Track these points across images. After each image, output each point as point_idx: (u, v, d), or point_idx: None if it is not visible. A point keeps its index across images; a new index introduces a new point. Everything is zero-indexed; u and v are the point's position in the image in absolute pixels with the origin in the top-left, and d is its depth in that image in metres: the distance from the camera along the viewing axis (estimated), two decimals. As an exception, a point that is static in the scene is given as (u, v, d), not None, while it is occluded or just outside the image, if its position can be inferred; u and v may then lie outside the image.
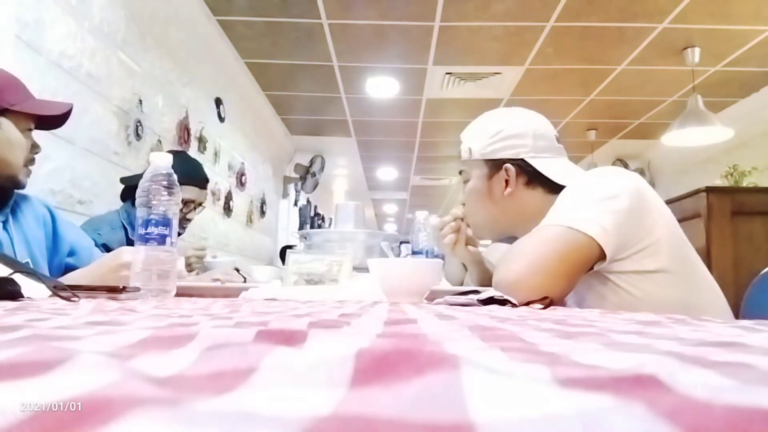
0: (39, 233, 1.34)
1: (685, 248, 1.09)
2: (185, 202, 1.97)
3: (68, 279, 1.16)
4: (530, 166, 1.15)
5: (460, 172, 1.26)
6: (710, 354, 0.25)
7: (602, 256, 1.00)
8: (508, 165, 1.16)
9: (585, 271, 1.03)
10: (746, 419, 0.12)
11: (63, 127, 1.39)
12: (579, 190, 1.07)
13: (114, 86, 2.41)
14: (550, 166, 1.16)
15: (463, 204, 1.29)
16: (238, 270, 2.02)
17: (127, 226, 1.88)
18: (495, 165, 1.17)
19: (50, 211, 1.40)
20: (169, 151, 2.18)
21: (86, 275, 1.19)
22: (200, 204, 2.11)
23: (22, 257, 1.24)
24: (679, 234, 1.08)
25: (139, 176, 1.89)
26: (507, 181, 1.17)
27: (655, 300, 1.00)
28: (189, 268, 1.94)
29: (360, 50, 3.70)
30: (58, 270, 1.36)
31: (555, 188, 1.14)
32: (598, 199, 1.02)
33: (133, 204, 1.77)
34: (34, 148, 1.28)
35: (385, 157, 6.59)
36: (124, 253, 1.16)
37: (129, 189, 1.97)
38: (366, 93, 4.44)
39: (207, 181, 2.15)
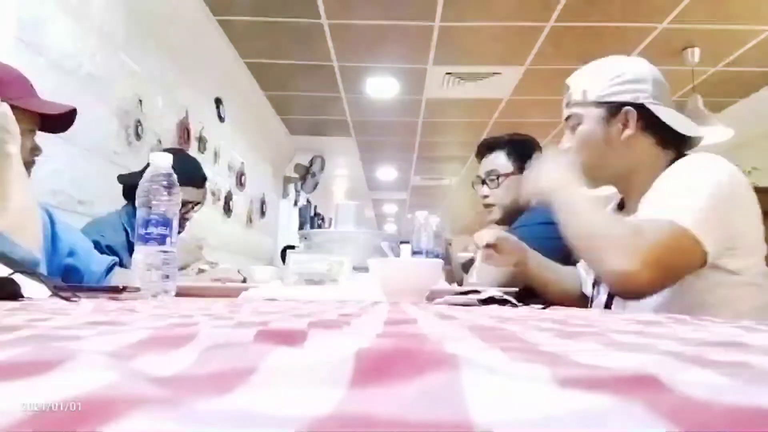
0: None
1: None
2: (183, 203, 1.96)
3: None
4: (648, 112, 1.13)
5: (567, 118, 1.21)
6: (710, 354, 0.25)
7: (701, 266, 0.99)
8: (629, 108, 1.13)
9: (685, 275, 1.01)
10: (746, 419, 0.12)
11: (63, 127, 1.39)
12: (691, 182, 1.03)
13: (114, 86, 2.41)
14: (668, 115, 1.13)
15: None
16: (238, 270, 2.02)
17: (128, 228, 1.87)
18: (612, 108, 1.14)
19: (49, 214, 1.40)
20: (167, 150, 2.16)
21: None
22: (198, 203, 2.10)
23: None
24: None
25: (138, 174, 1.89)
26: (624, 125, 1.14)
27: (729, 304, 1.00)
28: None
29: (360, 50, 3.70)
30: (57, 270, 1.36)
31: (666, 140, 1.14)
32: (716, 204, 0.99)
33: (134, 206, 1.78)
34: (35, 150, 1.27)
35: (385, 157, 6.59)
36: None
37: (130, 190, 1.96)
38: (366, 93, 4.44)
39: (205, 179, 2.14)
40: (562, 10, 3.10)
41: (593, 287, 1.27)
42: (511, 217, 1.82)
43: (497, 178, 1.82)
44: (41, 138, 1.32)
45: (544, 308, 0.87)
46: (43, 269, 1.31)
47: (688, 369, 0.20)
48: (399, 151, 6.21)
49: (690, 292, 1.03)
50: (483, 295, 0.94)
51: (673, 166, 1.08)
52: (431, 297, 1.08)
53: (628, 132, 1.13)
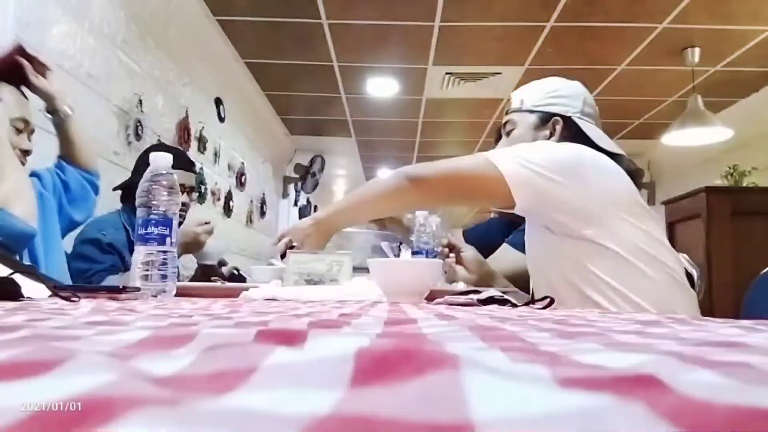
0: None
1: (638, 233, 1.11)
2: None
3: None
4: (574, 125, 1.24)
5: (504, 124, 1.34)
6: (710, 354, 0.25)
7: (510, 197, 1.08)
8: (557, 118, 1.25)
9: (483, 201, 1.18)
10: (746, 419, 0.12)
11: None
12: (541, 143, 1.18)
13: (114, 86, 2.41)
14: (592, 130, 1.24)
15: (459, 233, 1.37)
16: (238, 270, 2.02)
17: (128, 228, 1.88)
18: (544, 118, 1.27)
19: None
20: (149, 148, 2.15)
21: None
22: (192, 188, 2.08)
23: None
24: (632, 212, 1.12)
25: (132, 175, 1.89)
26: (551, 133, 1.26)
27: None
28: (198, 244, 1.89)
29: (360, 50, 3.70)
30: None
31: None
32: (535, 151, 1.11)
33: (133, 206, 1.80)
34: (21, 146, 1.26)
35: (385, 157, 6.59)
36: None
37: (127, 191, 1.96)
38: (366, 93, 4.44)
39: (193, 164, 2.13)
40: (562, 10, 3.10)
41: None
42: (505, 212, 1.83)
43: None
44: (42, 137, 1.31)
45: (543, 308, 0.87)
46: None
47: (688, 369, 0.20)
48: (399, 151, 6.20)
49: (555, 258, 1.13)
50: (483, 295, 0.94)
51: None
52: (431, 297, 1.08)
53: (553, 139, 1.25)
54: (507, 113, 1.34)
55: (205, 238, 1.90)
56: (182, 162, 2.06)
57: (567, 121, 1.25)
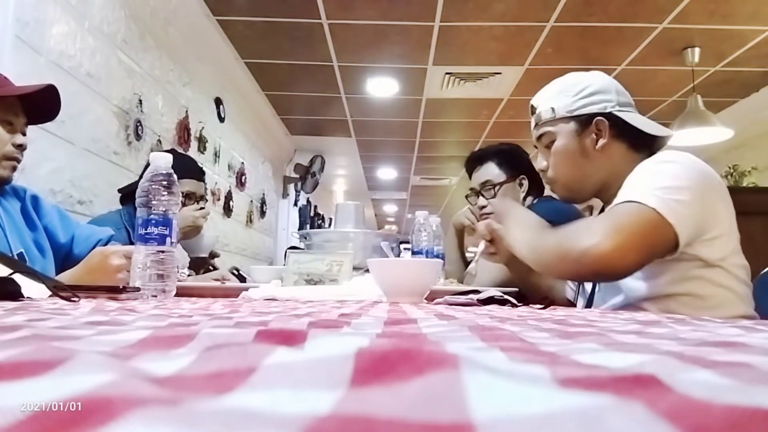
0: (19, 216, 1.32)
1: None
2: (186, 195, 1.96)
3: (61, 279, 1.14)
4: (618, 119, 1.16)
5: (539, 138, 1.23)
6: (710, 354, 0.25)
7: (674, 248, 1.00)
8: (600, 118, 1.16)
9: (658, 256, 1.02)
10: (746, 419, 0.12)
11: (63, 127, 1.38)
12: (655, 170, 1.05)
13: (114, 86, 2.41)
14: (636, 119, 1.17)
15: (543, 171, 1.24)
16: (238, 270, 2.02)
17: (129, 228, 1.88)
18: (583, 121, 1.18)
19: (33, 195, 1.38)
20: (167, 151, 2.16)
21: (77, 277, 1.14)
22: (202, 197, 2.09)
23: (16, 248, 1.23)
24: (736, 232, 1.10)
25: (136, 182, 1.90)
26: (598, 135, 1.17)
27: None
28: (197, 229, 1.91)
29: (360, 50, 3.69)
30: (38, 249, 1.33)
31: (637, 144, 1.17)
32: (680, 186, 1.01)
33: (134, 206, 1.80)
34: (15, 140, 1.25)
35: (385, 157, 6.59)
36: (112, 256, 1.12)
37: (128, 194, 1.97)
38: (366, 93, 4.44)
39: (203, 173, 2.15)
40: (562, 10, 3.10)
41: (579, 285, 1.28)
42: None
43: (493, 188, 1.88)
44: (41, 137, 1.31)
45: (543, 308, 0.87)
46: (37, 258, 1.29)
47: (688, 369, 0.20)
48: (399, 151, 6.20)
49: (667, 281, 1.05)
50: (483, 295, 0.94)
51: (640, 163, 1.10)
52: (431, 297, 1.08)
53: (602, 141, 1.17)
54: (537, 126, 1.24)
55: (202, 222, 1.91)
56: (193, 171, 2.07)
57: (609, 117, 1.16)
